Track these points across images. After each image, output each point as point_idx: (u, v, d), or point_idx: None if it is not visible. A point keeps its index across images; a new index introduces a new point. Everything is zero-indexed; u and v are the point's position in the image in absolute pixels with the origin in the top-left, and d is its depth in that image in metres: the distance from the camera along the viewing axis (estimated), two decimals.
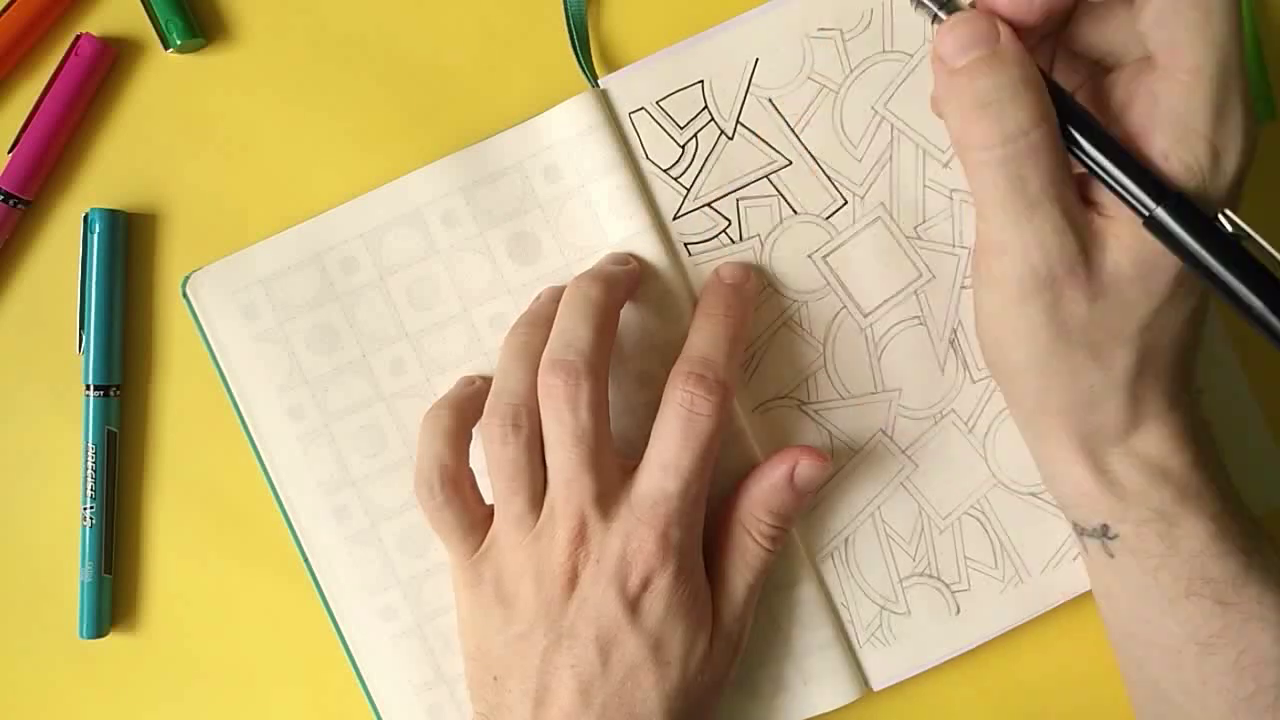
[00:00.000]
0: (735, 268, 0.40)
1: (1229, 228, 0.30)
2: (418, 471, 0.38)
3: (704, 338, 0.38)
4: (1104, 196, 0.33)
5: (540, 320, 0.38)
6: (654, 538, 0.36)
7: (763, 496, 0.39)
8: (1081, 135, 0.31)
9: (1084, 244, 0.32)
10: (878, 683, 0.42)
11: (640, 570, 0.36)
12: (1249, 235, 0.30)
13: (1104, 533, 0.36)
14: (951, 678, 0.43)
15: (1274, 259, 0.30)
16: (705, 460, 0.36)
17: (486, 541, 0.38)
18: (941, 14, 0.34)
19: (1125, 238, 0.32)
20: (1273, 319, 0.29)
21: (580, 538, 0.36)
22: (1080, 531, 0.38)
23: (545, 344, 0.37)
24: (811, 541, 0.42)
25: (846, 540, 0.42)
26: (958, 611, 0.42)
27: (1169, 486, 0.35)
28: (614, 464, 0.37)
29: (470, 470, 0.38)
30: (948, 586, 0.42)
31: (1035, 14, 0.32)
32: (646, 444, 0.37)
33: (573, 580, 0.36)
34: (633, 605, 0.36)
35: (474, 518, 0.38)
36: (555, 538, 0.36)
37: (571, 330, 0.36)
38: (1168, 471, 0.35)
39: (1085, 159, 0.31)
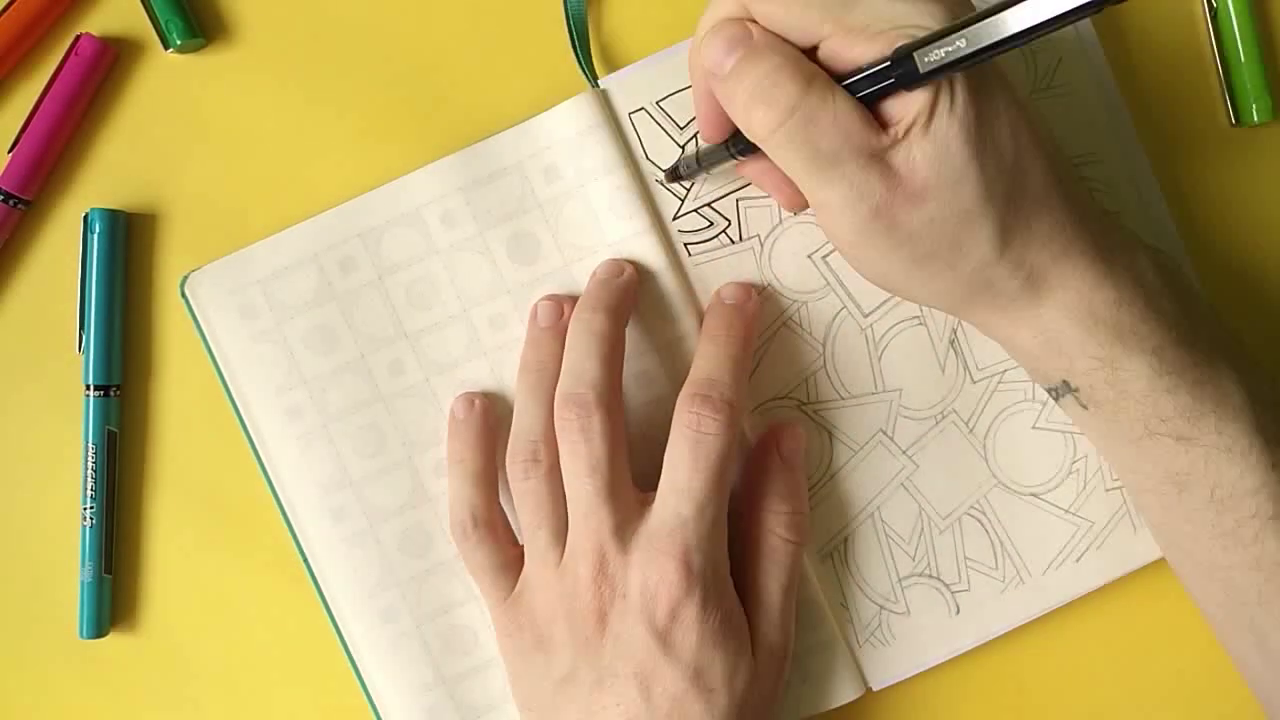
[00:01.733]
0: (736, 287, 0.40)
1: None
2: (451, 516, 0.39)
3: (707, 360, 0.38)
4: (886, 112, 0.32)
5: (550, 359, 0.38)
6: (675, 567, 0.36)
7: (766, 488, 0.39)
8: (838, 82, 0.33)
9: (887, 166, 0.32)
10: (877, 682, 0.42)
11: (666, 602, 0.36)
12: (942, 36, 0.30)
13: (1067, 388, 0.36)
14: (951, 678, 0.43)
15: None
16: (719, 481, 0.36)
17: (519, 584, 0.38)
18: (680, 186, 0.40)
19: (915, 138, 0.32)
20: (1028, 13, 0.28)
21: (601, 573, 0.36)
22: (1052, 394, 0.37)
23: (557, 381, 0.37)
24: (811, 541, 0.41)
25: (846, 540, 0.42)
26: (957, 612, 0.42)
27: (1101, 329, 0.34)
28: (632, 495, 0.37)
29: (502, 511, 0.39)
30: (947, 587, 0.42)
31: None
32: (649, 448, 0.37)
33: (602, 619, 0.36)
34: (664, 638, 0.36)
35: (506, 557, 0.39)
36: (578, 575, 0.36)
37: (580, 365, 0.37)
38: (1095, 313, 0.34)
39: (851, 89, 0.32)
